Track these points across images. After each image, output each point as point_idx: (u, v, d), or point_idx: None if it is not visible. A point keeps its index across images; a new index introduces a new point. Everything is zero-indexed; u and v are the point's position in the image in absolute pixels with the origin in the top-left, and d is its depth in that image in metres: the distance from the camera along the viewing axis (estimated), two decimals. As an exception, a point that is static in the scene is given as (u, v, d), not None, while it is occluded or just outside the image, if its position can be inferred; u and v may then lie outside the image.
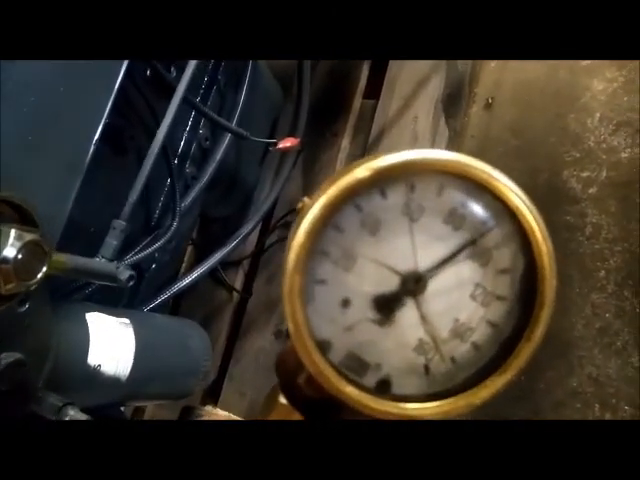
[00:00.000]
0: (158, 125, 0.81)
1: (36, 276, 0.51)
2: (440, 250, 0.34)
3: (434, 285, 0.34)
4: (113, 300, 0.88)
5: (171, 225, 0.90)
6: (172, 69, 0.94)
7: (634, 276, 1.10)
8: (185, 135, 1.02)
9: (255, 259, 1.35)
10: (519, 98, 1.35)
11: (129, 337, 0.74)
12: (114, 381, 0.71)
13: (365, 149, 1.33)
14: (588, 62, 1.30)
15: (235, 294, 1.31)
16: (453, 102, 1.38)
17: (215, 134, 1.06)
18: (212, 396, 1.27)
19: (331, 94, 1.38)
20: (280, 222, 1.33)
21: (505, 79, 1.39)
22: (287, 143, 1.08)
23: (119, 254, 0.76)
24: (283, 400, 0.39)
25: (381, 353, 0.35)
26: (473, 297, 0.35)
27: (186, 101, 0.86)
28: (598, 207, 1.17)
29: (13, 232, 0.49)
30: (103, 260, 0.72)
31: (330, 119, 1.36)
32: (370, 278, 0.34)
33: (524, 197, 0.34)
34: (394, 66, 1.36)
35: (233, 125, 1.01)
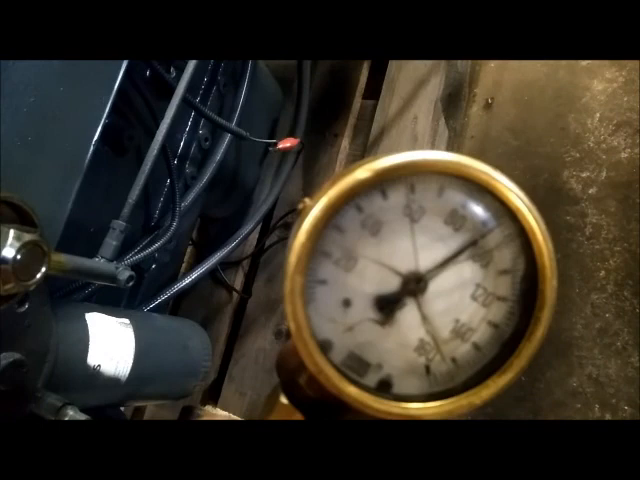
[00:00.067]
0: (158, 125, 0.81)
1: (35, 276, 0.51)
2: (441, 251, 0.34)
3: (435, 286, 0.34)
4: (113, 300, 0.88)
5: (171, 225, 0.90)
6: (172, 69, 0.94)
7: (634, 276, 1.10)
8: (185, 135, 1.02)
9: (255, 259, 1.35)
10: (519, 98, 1.35)
11: (129, 337, 0.74)
12: (114, 381, 0.71)
13: (365, 149, 1.33)
14: (588, 62, 1.30)
15: (235, 294, 1.31)
16: (453, 102, 1.38)
17: (215, 134, 1.06)
18: (212, 396, 1.27)
19: (331, 94, 1.38)
20: (280, 222, 1.33)
21: (505, 79, 1.39)
22: (287, 143, 1.08)
23: (119, 254, 0.76)
24: (284, 400, 0.39)
25: (382, 353, 0.35)
26: (474, 298, 0.35)
27: (186, 101, 0.86)
28: (598, 207, 1.17)
29: (12, 232, 0.49)
30: (102, 260, 0.72)
31: (330, 119, 1.36)
32: (371, 278, 0.34)
33: (525, 198, 0.34)
34: (394, 66, 1.36)
35: (233, 125, 1.01)
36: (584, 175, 1.21)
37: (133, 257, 0.83)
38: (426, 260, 0.34)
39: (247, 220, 1.14)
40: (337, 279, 0.33)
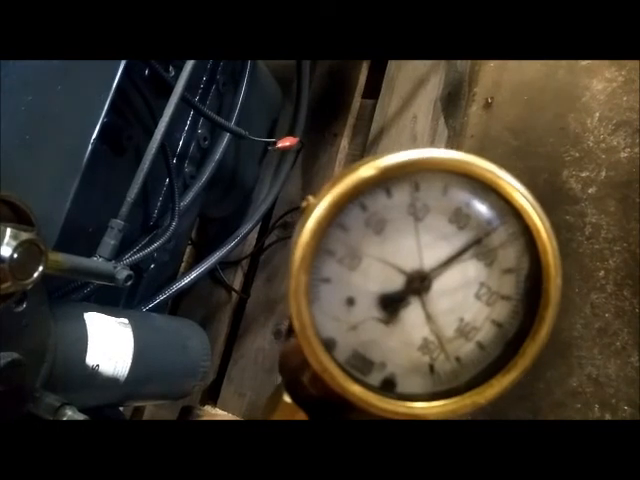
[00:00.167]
0: (156, 124, 0.80)
1: (32, 276, 0.51)
2: (445, 249, 0.34)
3: (439, 284, 0.34)
4: (112, 300, 0.88)
5: (170, 225, 0.90)
6: (170, 68, 0.94)
7: (633, 276, 1.10)
8: (184, 135, 1.02)
9: (254, 259, 1.35)
10: (519, 98, 1.35)
11: (128, 337, 0.73)
12: (112, 381, 0.70)
13: (364, 149, 1.33)
14: (588, 62, 1.30)
15: (234, 294, 1.31)
16: (452, 102, 1.38)
17: (214, 134, 1.06)
18: (211, 396, 1.27)
19: (330, 94, 1.38)
20: (279, 222, 1.32)
21: (504, 79, 1.39)
22: (286, 142, 1.08)
23: (117, 254, 0.75)
24: (287, 399, 0.39)
25: (386, 352, 0.35)
26: (478, 296, 0.35)
27: (185, 100, 0.85)
28: (597, 207, 1.17)
29: (9, 231, 0.48)
30: (101, 260, 0.72)
31: (329, 119, 1.35)
32: (375, 277, 0.33)
33: (529, 196, 0.33)
34: (393, 66, 1.36)
35: (232, 124, 1.01)
36: (584, 175, 1.21)
37: (132, 256, 0.83)
38: (430, 259, 0.34)
39: (246, 220, 1.14)
40: (341, 278, 0.33)
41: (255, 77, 1.11)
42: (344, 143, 1.33)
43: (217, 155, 1.01)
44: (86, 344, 0.67)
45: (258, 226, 1.28)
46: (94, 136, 0.68)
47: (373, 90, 1.37)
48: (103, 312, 0.72)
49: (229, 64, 1.08)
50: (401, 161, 0.32)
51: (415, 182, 0.33)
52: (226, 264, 1.30)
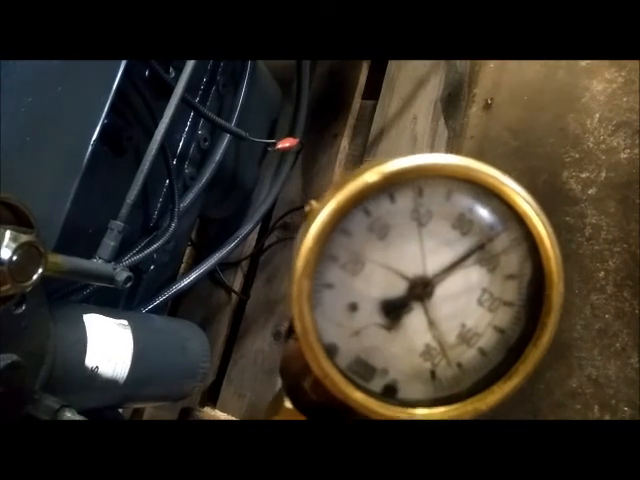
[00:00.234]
0: (156, 125, 0.80)
1: (32, 278, 0.51)
2: (448, 255, 0.34)
3: (442, 290, 0.34)
4: (111, 302, 0.87)
5: (170, 226, 0.89)
6: (171, 69, 0.93)
7: (634, 277, 1.10)
8: (184, 136, 1.02)
9: (254, 260, 1.35)
10: (518, 99, 1.35)
11: (127, 339, 0.73)
12: (112, 383, 0.70)
13: (364, 149, 1.32)
14: (587, 62, 1.30)
15: (234, 295, 1.30)
16: (452, 102, 1.38)
17: (214, 135, 1.06)
18: (211, 398, 1.26)
19: (330, 94, 1.38)
20: (279, 223, 1.32)
21: (504, 80, 1.39)
22: (286, 143, 1.08)
23: (117, 255, 0.75)
24: (288, 404, 0.39)
25: (388, 358, 0.34)
26: (480, 302, 0.35)
27: (185, 101, 0.85)
28: (597, 208, 1.17)
29: (8, 233, 0.48)
30: (100, 261, 0.72)
31: (329, 119, 1.35)
32: (378, 283, 0.33)
33: (532, 202, 0.33)
34: (393, 66, 1.36)
35: (232, 125, 1.01)
36: (583, 176, 1.21)
37: (131, 258, 0.82)
38: (433, 264, 0.33)
39: (246, 220, 1.14)
40: (344, 283, 0.33)
41: (255, 78, 1.11)
42: (344, 144, 1.33)
43: (217, 156, 1.01)
44: (85, 346, 0.67)
45: (258, 227, 1.27)
46: (94, 137, 0.68)
47: (373, 90, 1.37)
48: (102, 314, 0.72)
49: (229, 65, 1.08)
50: (405, 167, 0.32)
51: (419, 188, 0.33)
52: (226, 265, 1.30)
